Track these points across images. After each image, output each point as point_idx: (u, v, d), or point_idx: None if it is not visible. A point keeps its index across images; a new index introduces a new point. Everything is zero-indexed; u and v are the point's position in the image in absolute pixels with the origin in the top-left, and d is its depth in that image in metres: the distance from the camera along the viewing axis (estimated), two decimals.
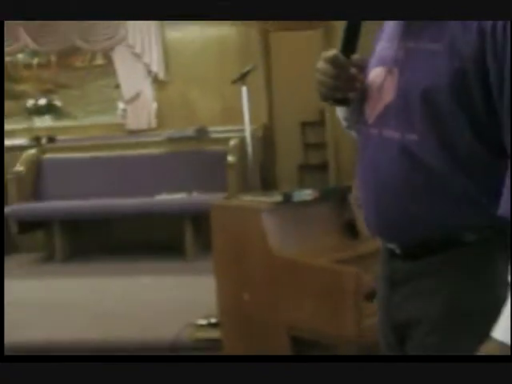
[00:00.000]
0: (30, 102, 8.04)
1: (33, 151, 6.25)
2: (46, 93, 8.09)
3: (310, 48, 8.80)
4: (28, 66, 8.25)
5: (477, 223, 1.28)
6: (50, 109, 8.04)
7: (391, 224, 1.38)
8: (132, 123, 7.93)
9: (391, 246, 1.42)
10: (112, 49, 8.01)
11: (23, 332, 3.45)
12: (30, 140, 6.82)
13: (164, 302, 4.09)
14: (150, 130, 7.81)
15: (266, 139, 7.77)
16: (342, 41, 1.47)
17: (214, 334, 3.06)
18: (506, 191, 1.20)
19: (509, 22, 1.24)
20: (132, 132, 7.75)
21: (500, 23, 1.26)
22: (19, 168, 5.94)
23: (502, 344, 1.22)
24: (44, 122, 8.01)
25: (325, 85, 1.46)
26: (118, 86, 8.02)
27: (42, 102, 8.03)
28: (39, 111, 8.02)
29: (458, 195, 1.28)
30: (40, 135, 7.04)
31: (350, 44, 1.46)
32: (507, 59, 1.19)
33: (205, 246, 4.91)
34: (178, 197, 5.60)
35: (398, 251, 1.40)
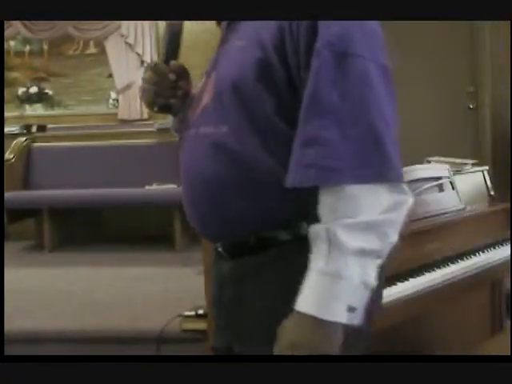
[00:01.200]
0: (22, 90, 8.00)
1: (23, 139, 6.22)
2: (37, 81, 8.05)
3: None
4: (20, 54, 8.21)
5: (292, 220, 1.24)
6: (41, 97, 8.01)
7: (209, 223, 1.35)
8: (124, 113, 7.91)
9: (216, 245, 1.41)
10: (105, 38, 7.98)
11: (11, 320, 3.44)
12: (20, 128, 6.79)
13: (153, 293, 4.09)
14: (141, 120, 7.79)
15: None
16: (162, 48, 1.52)
17: (201, 325, 3.06)
18: (293, 160, 1.17)
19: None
20: (124, 122, 7.73)
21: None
22: (9, 156, 5.92)
23: (303, 315, 1.13)
24: (35, 110, 7.98)
25: (147, 92, 1.50)
26: (110, 76, 7.99)
27: (34, 90, 7.99)
28: (30, 99, 7.98)
29: (270, 187, 1.24)
30: (31, 123, 7.01)
31: (171, 51, 1.52)
32: (302, 44, 1.21)
33: (194, 236, 4.91)
34: (169, 187, 5.59)
35: (221, 251, 1.38)
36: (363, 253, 1.11)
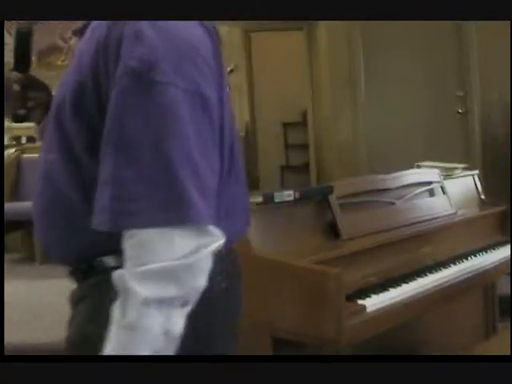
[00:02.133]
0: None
1: (12, 150, 6.20)
2: None
3: (292, 49, 8.83)
4: (8, 65, 8.19)
5: (115, 247, 1.10)
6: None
7: (50, 247, 1.29)
8: None
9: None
10: None
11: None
12: (9, 139, 6.76)
13: None
14: None
15: (248, 140, 7.79)
16: (14, 54, 1.38)
17: None
18: (99, 199, 1.05)
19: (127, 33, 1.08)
20: None
21: (116, 33, 1.10)
22: None
23: None
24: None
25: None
26: None
27: None
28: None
29: (86, 218, 1.10)
30: (20, 134, 6.98)
31: (20, 57, 1.39)
32: (110, 68, 1.07)
33: None
34: None
35: (71, 275, 1.31)
36: (161, 302, 1.01)
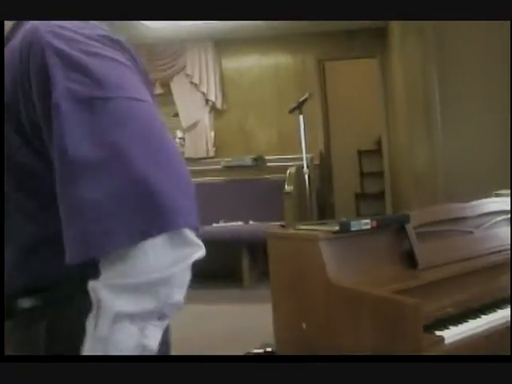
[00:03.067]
0: None
1: None
2: None
3: (366, 76, 8.83)
4: None
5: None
6: None
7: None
8: (190, 151, 8.05)
9: None
10: (171, 78, 8.17)
11: None
12: None
13: (220, 330, 4.10)
14: (207, 158, 7.91)
15: (323, 168, 7.78)
16: None
17: None
18: (68, 234, 0.98)
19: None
20: (190, 160, 7.86)
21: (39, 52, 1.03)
22: None
23: None
24: None
25: None
26: (176, 115, 8.16)
27: None
28: None
29: (38, 243, 1.08)
30: None
31: None
32: (36, 98, 1.01)
33: (261, 274, 4.93)
34: (235, 224, 5.63)
35: None
36: (135, 316, 0.98)
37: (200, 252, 1.05)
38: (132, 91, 1.04)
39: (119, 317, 0.97)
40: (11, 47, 1.11)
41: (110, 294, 0.96)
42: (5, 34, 1.21)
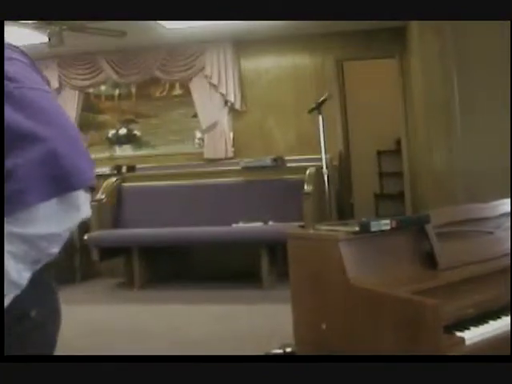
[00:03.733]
0: (111, 132, 8.29)
1: (113, 179, 6.42)
2: (126, 123, 8.32)
3: (385, 77, 8.79)
4: (110, 97, 8.51)
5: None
6: (130, 138, 8.27)
7: None
8: (209, 152, 8.07)
9: None
10: (190, 79, 8.19)
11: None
12: (111, 169, 7.01)
13: (240, 331, 4.11)
14: (226, 159, 7.92)
15: (342, 168, 7.76)
16: None
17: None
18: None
19: None
20: (209, 161, 7.88)
21: None
22: (100, 196, 6.11)
23: None
24: (124, 151, 8.24)
25: None
26: (195, 116, 8.18)
27: (123, 131, 8.27)
28: (120, 141, 8.25)
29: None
30: (121, 164, 7.23)
31: None
32: None
33: (281, 274, 4.93)
34: (255, 225, 5.64)
35: None
36: (16, 255, 1.18)
37: (83, 216, 1.24)
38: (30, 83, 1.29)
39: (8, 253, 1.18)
40: None
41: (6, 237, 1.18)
42: None
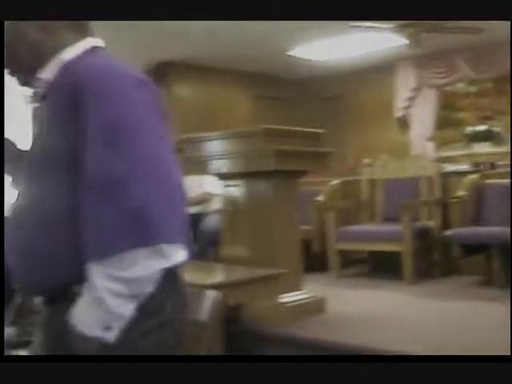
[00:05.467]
0: (469, 129, 8.24)
1: (473, 176, 6.38)
2: (484, 120, 8.21)
3: None
4: (466, 95, 8.47)
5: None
6: (488, 135, 8.14)
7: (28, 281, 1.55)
8: None
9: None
10: None
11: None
12: (470, 165, 6.97)
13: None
14: None
15: None
16: None
17: None
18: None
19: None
20: None
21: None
22: (461, 193, 6.12)
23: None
24: (483, 147, 8.13)
25: None
26: None
27: (481, 128, 8.17)
28: (478, 137, 8.17)
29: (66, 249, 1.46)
30: (479, 161, 7.16)
31: None
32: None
33: None
34: None
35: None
36: (115, 293, 1.38)
37: (169, 262, 1.41)
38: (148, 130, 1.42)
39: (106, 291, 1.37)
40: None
41: (102, 280, 1.37)
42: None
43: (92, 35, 1.56)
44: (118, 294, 1.37)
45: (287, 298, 4.35)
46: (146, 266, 1.38)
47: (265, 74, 9.28)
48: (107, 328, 1.38)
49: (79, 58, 1.51)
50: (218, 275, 4.25)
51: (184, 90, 8.92)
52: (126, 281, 1.37)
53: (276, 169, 4.09)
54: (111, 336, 1.38)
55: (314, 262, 6.37)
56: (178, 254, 1.42)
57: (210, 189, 6.41)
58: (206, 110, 8.85)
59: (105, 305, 1.36)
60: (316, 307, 4.54)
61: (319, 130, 4.72)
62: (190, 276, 3.46)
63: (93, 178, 1.36)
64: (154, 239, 1.37)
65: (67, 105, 1.41)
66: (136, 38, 7.17)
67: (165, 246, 1.38)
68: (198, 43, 7.67)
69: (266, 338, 3.95)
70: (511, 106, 7.76)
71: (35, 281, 1.53)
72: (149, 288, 1.41)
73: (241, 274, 3.91)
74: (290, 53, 8.33)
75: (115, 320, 1.39)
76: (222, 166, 4.43)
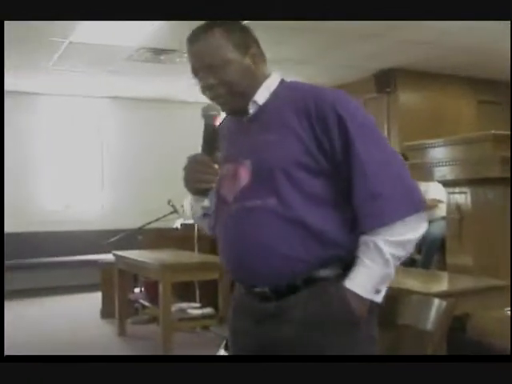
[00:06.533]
0: None
1: None
2: None
3: None
4: None
5: (329, 262, 1.68)
6: None
7: (264, 274, 1.70)
8: None
9: (261, 290, 1.74)
10: None
11: None
12: None
13: None
14: None
15: None
16: (203, 142, 1.75)
17: None
18: (361, 208, 1.66)
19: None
20: None
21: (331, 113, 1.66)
22: None
23: (355, 294, 1.65)
24: None
25: (193, 179, 1.75)
26: None
27: None
28: None
29: (316, 238, 1.66)
30: None
31: (209, 146, 1.74)
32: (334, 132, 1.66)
33: None
34: None
35: (268, 294, 1.72)
36: (396, 257, 1.68)
37: (426, 227, 1.71)
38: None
39: (391, 258, 1.67)
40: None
41: (386, 245, 1.66)
42: None
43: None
44: (398, 257, 1.69)
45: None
46: (417, 229, 1.68)
47: (488, 78, 9.05)
48: (378, 291, 1.68)
49: (281, 84, 1.80)
50: (444, 283, 4.16)
51: (410, 97, 8.89)
52: (403, 244, 1.68)
53: (501, 176, 3.99)
54: (379, 298, 1.69)
55: None
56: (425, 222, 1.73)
57: (435, 195, 6.48)
58: (431, 116, 8.77)
59: (389, 268, 1.67)
60: None
61: None
62: (416, 284, 3.52)
63: (367, 164, 1.65)
64: (419, 208, 1.68)
65: (305, 118, 1.68)
66: (361, 48, 7.36)
67: (423, 214, 1.70)
68: (426, 49, 7.58)
69: (494, 350, 3.80)
70: None
71: (279, 269, 1.69)
72: (412, 250, 1.73)
73: (469, 282, 3.82)
74: None
75: (385, 282, 1.69)
76: (447, 172, 4.35)
